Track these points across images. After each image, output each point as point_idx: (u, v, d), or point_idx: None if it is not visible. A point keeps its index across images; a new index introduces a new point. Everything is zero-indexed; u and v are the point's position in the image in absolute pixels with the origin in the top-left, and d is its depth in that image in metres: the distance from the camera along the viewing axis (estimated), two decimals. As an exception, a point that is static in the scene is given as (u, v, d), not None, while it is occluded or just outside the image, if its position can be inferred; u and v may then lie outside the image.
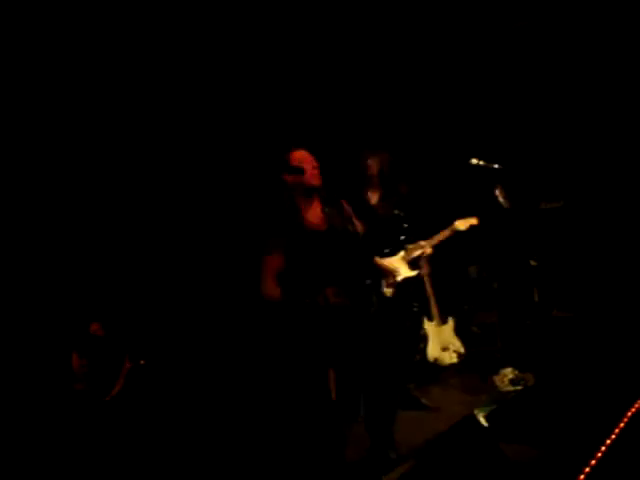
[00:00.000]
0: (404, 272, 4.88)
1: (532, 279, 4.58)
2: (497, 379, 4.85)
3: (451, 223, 5.05)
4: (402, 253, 4.99)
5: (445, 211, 5.32)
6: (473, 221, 5.09)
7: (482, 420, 3.42)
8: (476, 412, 3.66)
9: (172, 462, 3.92)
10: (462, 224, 5.10)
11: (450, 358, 5.62)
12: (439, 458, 2.78)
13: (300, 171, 3.41)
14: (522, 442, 3.50)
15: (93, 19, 4.75)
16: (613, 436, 3.43)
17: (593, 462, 3.17)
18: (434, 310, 5.70)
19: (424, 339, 5.66)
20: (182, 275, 5.11)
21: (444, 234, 5.10)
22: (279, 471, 3.67)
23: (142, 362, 4.82)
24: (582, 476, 3.00)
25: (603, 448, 3.31)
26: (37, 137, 4.59)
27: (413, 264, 4.99)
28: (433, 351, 5.63)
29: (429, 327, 5.67)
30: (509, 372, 4.90)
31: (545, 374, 4.42)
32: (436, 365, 5.59)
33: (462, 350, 5.64)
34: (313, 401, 3.41)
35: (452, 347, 5.64)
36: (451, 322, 5.74)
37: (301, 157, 3.52)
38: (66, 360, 4.54)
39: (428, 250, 5.00)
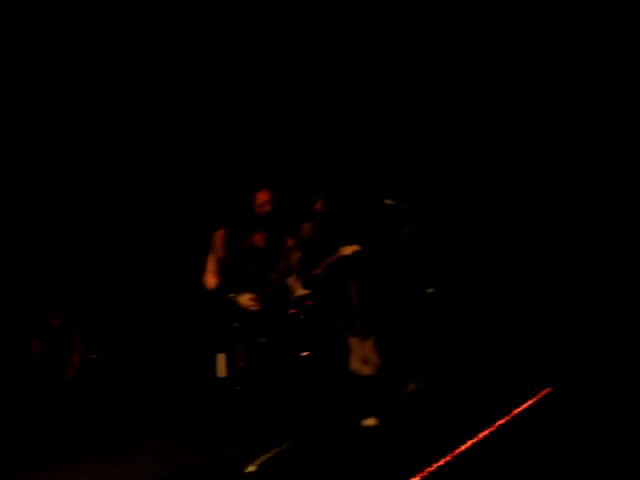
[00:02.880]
0: (299, 291, 5.69)
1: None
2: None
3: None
4: (295, 275, 5.76)
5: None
6: (355, 248, 5.78)
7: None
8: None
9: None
10: (346, 250, 5.80)
11: (368, 370, 6.25)
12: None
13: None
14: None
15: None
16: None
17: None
18: (358, 326, 6.36)
19: (348, 351, 6.33)
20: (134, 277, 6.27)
21: (331, 259, 5.83)
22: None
23: (93, 356, 6.02)
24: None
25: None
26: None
27: (306, 284, 5.75)
28: (354, 363, 6.29)
29: (353, 341, 6.33)
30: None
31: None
32: (356, 375, 6.24)
33: (379, 363, 6.24)
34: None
35: (371, 361, 6.25)
36: (372, 338, 6.35)
37: (261, 199, 4.65)
38: (28, 346, 5.83)
39: (318, 272, 5.75)
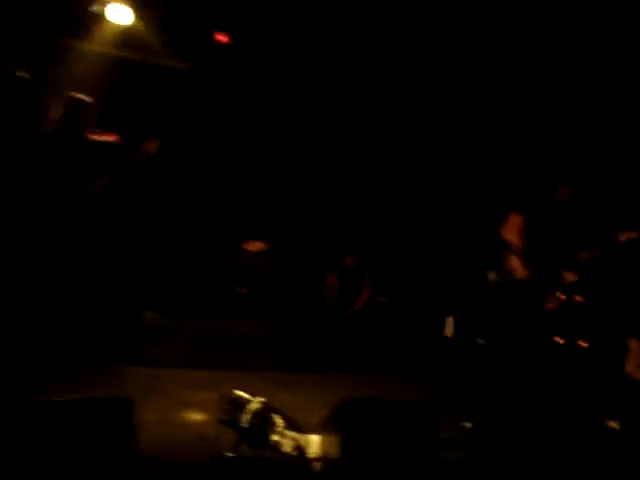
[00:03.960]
0: (569, 277, 5.54)
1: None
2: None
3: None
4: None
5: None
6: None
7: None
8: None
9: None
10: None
11: (642, 376, 5.80)
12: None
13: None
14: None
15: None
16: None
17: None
18: (640, 329, 5.91)
19: (626, 352, 5.95)
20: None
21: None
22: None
23: (383, 299, 6.73)
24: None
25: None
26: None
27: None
28: (630, 365, 5.89)
29: (633, 343, 5.93)
30: None
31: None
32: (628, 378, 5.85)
33: (655, 372, 5.73)
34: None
35: (647, 367, 5.78)
36: (655, 344, 5.83)
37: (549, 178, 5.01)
38: (323, 278, 6.80)
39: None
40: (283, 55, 6.71)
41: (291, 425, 3.88)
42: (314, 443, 3.87)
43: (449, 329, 4.55)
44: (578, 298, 5.40)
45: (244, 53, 6.65)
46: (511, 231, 4.96)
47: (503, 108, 6.71)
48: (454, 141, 7.01)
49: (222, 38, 6.55)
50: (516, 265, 4.94)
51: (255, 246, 6.96)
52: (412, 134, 7.12)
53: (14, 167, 5.19)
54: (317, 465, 3.81)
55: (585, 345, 5.49)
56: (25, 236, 5.02)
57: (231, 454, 3.78)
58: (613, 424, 5.01)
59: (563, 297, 5.34)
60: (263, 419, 3.84)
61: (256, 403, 3.86)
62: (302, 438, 3.87)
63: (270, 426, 3.84)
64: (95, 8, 5.64)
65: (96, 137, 5.49)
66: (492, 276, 5.26)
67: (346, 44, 6.51)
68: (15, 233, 4.96)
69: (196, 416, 4.52)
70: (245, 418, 3.79)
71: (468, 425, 4.45)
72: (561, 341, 5.33)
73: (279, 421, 3.85)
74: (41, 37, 5.62)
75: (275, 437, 3.82)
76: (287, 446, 3.82)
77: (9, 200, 5.00)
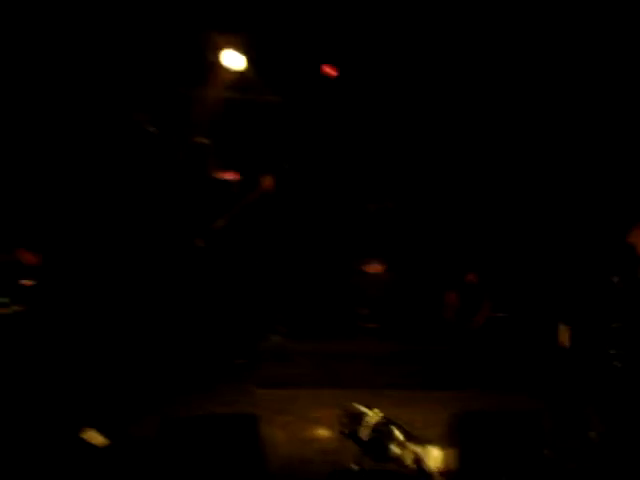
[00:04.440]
0: None
1: None
2: None
3: None
4: None
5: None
6: None
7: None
8: None
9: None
10: None
11: None
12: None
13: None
14: None
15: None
16: None
17: None
18: None
19: None
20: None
21: None
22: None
23: (503, 314, 6.68)
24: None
25: None
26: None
27: None
28: None
29: None
30: None
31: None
32: None
33: None
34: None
35: None
36: None
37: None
38: (442, 296, 6.86)
39: None
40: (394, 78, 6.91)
41: (410, 437, 3.97)
42: (434, 455, 3.93)
43: (565, 338, 4.48)
44: None
45: (352, 84, 6.89)
46: None
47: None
48: (580, 146, 6.87)
49: (331, 71, 6.83)
50: None
51: (374, 267, 7.14)
52: (534, 145, 7.06)
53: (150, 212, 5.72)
54: (438, 477, 3.86)
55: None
56: (163, 268, 5.52)
57: (355, 467, 3.93)
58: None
59: None
60: (383, 431, 3.96)
61: (375, 416, 3.99)
62: (422, 450, 3.95)
63: (390, 438, 3.95)
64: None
65: (218, 176, 5.92)
66: (617, 282, 5.07)
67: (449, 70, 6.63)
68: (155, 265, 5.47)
69: (321, 432, 4.73)
70: (365, 431, 3.92)
71: (593, 434, 4.33)
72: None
73: (398, 434, 3.95)
74: (164, 89, 6.15)
75: (396, 449, 3.92)
76: (407, 458, 3.91)
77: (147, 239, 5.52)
